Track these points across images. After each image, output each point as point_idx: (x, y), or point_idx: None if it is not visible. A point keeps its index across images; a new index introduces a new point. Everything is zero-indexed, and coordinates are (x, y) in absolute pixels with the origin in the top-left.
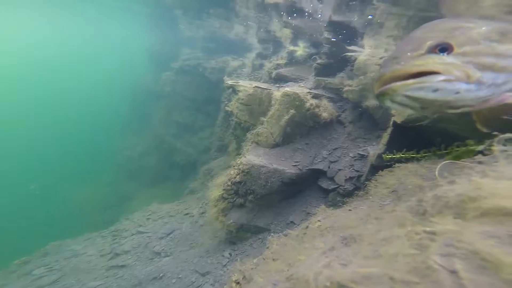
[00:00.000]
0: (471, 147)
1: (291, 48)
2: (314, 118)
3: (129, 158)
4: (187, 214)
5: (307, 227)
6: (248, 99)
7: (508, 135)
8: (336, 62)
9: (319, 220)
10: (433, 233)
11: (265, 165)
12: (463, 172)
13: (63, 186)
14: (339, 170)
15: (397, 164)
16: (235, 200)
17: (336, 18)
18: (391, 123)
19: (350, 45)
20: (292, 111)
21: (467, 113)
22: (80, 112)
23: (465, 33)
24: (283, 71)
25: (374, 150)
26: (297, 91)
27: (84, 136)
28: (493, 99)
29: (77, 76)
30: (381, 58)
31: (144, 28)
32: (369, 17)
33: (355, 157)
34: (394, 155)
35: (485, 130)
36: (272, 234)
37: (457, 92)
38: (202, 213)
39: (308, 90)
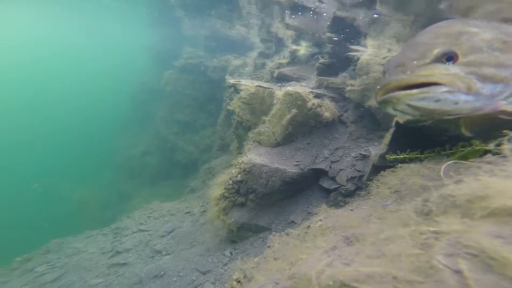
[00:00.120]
0: (477, 147)
1: (294, 47)
2: (316, 117)
3: (130, 156)
4: (188, 212)
5: (308, 226)
6: (250, 98)
7: None
8: (339, 62)
9: (320, 220)
10: (438, 232)
11: (266, 164)
12: (470, 172)
13: (64, 184)
14: (341, 170)
15: (399, 164)
16: (236, 199)
17: (338, 18)
18: (393, 123)
19: (353, 45)
20: (294, 111)
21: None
22: (81, 110)
23: (469, 40)
24: (285, 70)
25: (376, 150)
26: (299, 91)
27: (85, 135)
28: (486, 107)
29: (79, 74)
30: (384, 58)
31: (147, 26)
32: (375, 15)
33: (356, 157)
34: (397, 155)
35: (468, 134)
36: (273, 233)
37: (456, 103)
38: (203, 211)
39: (310, 90)
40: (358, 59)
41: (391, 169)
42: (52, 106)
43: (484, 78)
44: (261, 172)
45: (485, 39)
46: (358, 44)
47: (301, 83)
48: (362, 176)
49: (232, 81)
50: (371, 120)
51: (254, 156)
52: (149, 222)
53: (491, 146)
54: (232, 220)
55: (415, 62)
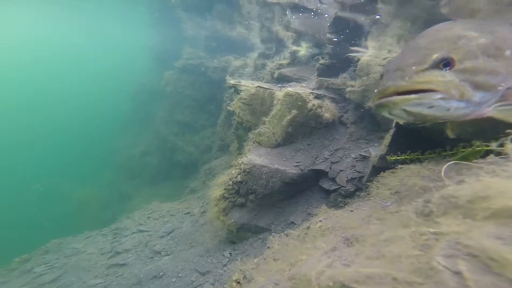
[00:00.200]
0: (478, 148)
1: (294, 48)
2: (316, 118)
3: (130, 156)
4: (187, 213)
5: (308, 227)
6: (250, 98)
7: None
8: (339, 63)
9: (320, 221)
10: (438, 233)
11: (266, 165)
12: (471, 172)
13: (64, 184)
14: (341, 171)
15: (399, 165)
16: (236, 200)
17: (339, 18)
18: (393, 124)
19: (353, 46)
20: (294, 111)
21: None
22: (82, 110)
23: (467, 45)
24: (286, 71)
25: (376, 151)
26: (299, 91)
27: (86, 135)
28: (474, 114)
29: (79, 75)
30: (384, 59)
31: (147, 26)
32: (377, 16)
33: (356, 158)
34: (398, 156)
35: (452, 136)
36: (273, 234)
37: (448, 109)
38: (203, 212)
39: (310, 91)
40: (359, 60)
41: (391, 170)
42: (52, 106)
43: (476, 86)
44: (261, 173)
45: (481, 45)
46: (359, 45)
47: (302, 84)
48: (362, 177)
49: (232, 81)
50: (371, 121)
51: (254, 156)
52: (149, 222)
53: (492, 146)
54: (232, 220)
55: (413, 67)
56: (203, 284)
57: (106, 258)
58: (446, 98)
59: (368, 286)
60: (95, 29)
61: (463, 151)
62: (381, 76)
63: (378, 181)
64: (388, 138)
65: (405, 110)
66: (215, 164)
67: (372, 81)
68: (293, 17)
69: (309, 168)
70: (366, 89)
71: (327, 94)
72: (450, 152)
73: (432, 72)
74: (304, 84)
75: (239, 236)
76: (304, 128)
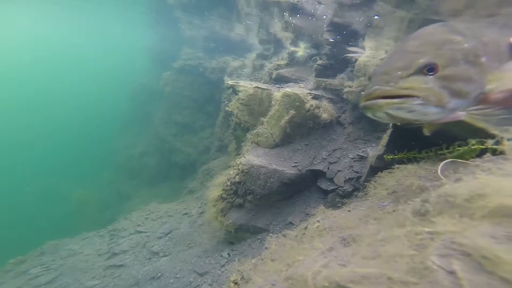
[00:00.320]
0: (473, 146)
1: (292, 49)
2: (314, 119)
3: (128, 157)
4: (186, 214)
5: (306, 227)
6: (249, 99)
7: None
8: (337, 63)
9: (318, 221)
10: (433, 233)
11: (264, 165)
12: (468, 171)
13: (62, 184)
14: (339, 171)
15: (396, 165)
16: (234, 200)
17: (337, 19)
18: (391, 124)
19: (351, 46)
20: (292, 112)
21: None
22: (81, 110)
23: (451, 50)
24: (284, 71)
25: (373, 151)
26: (297, 92)
27: (85, 135)
28: (448, 118)
29: (78, 75)
30: (381, 59)
31: (146, 27)
32: (375, 17)
33: (354, 158)
34: (395, 155)
35: (427, 134)
36: (270, 234)
37: (426, 114)
38: (201, 213)
39: (308, 91)
40: (356, 60)
41: (388, 170)
42: (52, 106)
43: (453, 93)
44: (259, 173)
45: (463, 51)
46: (356, 45)
47: (299, 85)
48: (360, 177)
49: (230, 82)
50: (368, 122)
51: (252, 157)
52: (147, 223)
53: (488, 145)
54: (230, 221)
55: (399, 72)
56: (201, 285)
57: (103, 259)
58: (424, 104)
59: (363, 286)
60: (94, 29)
61: (459, 150)
62: (369, 78)
63: (375, 181)
64: (385, 138)
65: (387, 113)
66: (213, 165)
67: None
68: (290, 18)
69: (307, 169)
70: (364, 90)
71: (325, 95)
72: (447, 151)
73: (415, 78)
74: (302, 85)
75: (237, 237)
76: (302, 128)
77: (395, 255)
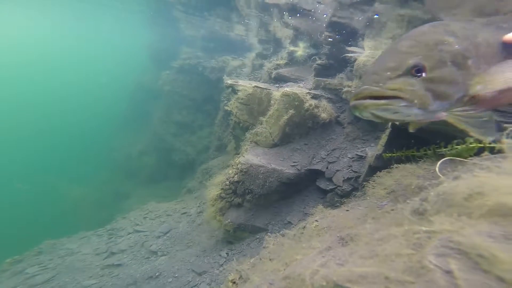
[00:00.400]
0: (471, 145)
1: (291, 48)
2: (313, 118)
3: (127, 156)
4: (184, 213)
5: (304, 227)
6: (248, 98)
7: None
8: (336, 63)
9: (316, 220)
10: (430, 232)
11: (263, 164)
12: (465, 169)
13: (60, 183)
14: (337, 170)
15: (395, 165)
16: (233, 200)
17: (336, 19)
18: (389, 124)
19: (350, 46)
20: (291, 111)
21: None
22: (79, 110)
23: (441, 51)
24: (283, 71)
25: (372, 151)
26: (296, 91)
27: (82, 134)
28: (429, 119)
29: (77, 74)
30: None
31: (145, 26)
32: (375, 16)
33: (353, 158)
34: (393, 153)
35: (412, 130)
36: (269, 234)
37: (409, 115)
38: (200, 212)
39: (307, 91)
40: (355, 60)
41: (387, 170)
42: (50, 105)
43: (436, 96)
44: (258, 172)
45: (453, 52)
46: (356, 45)
47: (299, 84)
48: (359, 177)
49: (229, 81)
50: (367, 121)
51: (251, 156)
52: (145, 222)
53: (486, 143)
54: (229, 220)
55: (388, 73)
56: (200, 284)
57: (101, 259)
58: (408, 106)
59: (360, 285)
60: (93, 28)
61: (457, 148)
62: (360, 76)
63: (374, 181)
64: (384, 138)
65: (373, 114)
66: (212, 164)
67: None
68: (290, 17)
69: (306, 168)
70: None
71: (324, 94)
72: (444, 149)
73: (403, 79)
74: (301, 84)
75: (236, 236)
76: (301, 128)
77: (392, 254)
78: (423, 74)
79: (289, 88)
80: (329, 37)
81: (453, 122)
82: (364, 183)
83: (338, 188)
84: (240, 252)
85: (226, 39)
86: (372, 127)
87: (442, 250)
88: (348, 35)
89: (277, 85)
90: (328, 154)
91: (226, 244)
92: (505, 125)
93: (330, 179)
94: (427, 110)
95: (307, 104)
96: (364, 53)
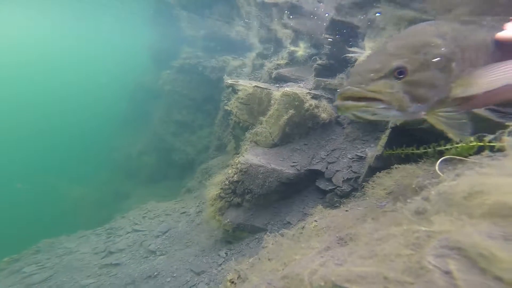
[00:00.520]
0: (472, 143)
1: (292, 48)
2: (313, 118)
3: (127, 156)
4: (183, 213)
5: (303, 227)
6: (248, 98)
7: None
8: (337, 63)
9: (315, 220)
10: (430, 232)
11: (263, 164)
12: (465, 168)
13: (59, 183)
14: (337, 171)
15: (395, 166)
16: (232, 199)
17: (337, 19)
18: (389, 125)
19: (351, 46)
20: (291, 111)
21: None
22: (79, 109)
23: (426, 54)
24: (284, 71)
25: (372, 151)
26: (296, 91)
27: (82, 134)
28: (410, 118)
29: (77, 74)
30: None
31: (145, 26)
32: (377, 14)
33: (353, 158)
34: (393, 151)
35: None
36: (268, 233)
37: (388, 116)
38: (199, 212)
39: (307, 91)
40: (356, 60)
41: (386, 170)
42: (50, 104)
43: (414, 99)
44: (257, 172)
45: (437, 55)
46: (356, 45)
47: (299, 84)
48: (358, 177)
49: (230, 81)
50: (367, 122)
51: (251, 156)
52: (144, 222)
53: (486, 142)
54: (228, 220)
55: (371, 74)
56: (198, 284)
57: (99, 258)
58: (387, 108)
59: (359, 285)
60: (93, 28)
61: (457, 147)
62: (347, 75)
63: (374, 181)
64: (384, 138)
65: (353, 114)
66: (212, 164)
67: None
68: (291, 16)
69: (305, 168)
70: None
71: (324, 95)
72: (444, 148)
73: (384, 82)
74: (301, 84)
75: (235, 236)
76: (301, 128)
77: (391, 254)
78: (405, 77)
79: (289, 88)
80: (330, 37)
81: (433, 123)
82: (364, 183)
83: (337, 188)
84: (239, 252)
85: (226, 39)
86: (372, 128)
87: (442, 250)
88: (349, 35)
89: (278, 85)
90: (328, 155)
91: (225, 244)
92: (507, 123)
93: (329, 180)
94: (406, 111)
95: (307, 104)
96: (365, 53)
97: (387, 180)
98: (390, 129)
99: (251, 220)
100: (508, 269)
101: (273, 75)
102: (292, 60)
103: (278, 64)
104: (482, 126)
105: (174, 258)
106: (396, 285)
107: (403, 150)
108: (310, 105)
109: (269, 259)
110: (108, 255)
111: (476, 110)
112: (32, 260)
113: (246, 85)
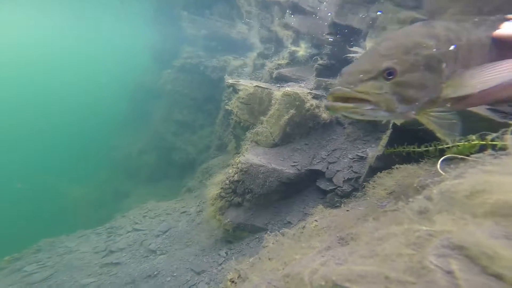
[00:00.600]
0: (474, 142)
1: (293, 48)
2: (314, 118)
3: (127, 155)
4: (184, 212)
5: (304, 226)
6: (249, 98)
7: None
8: (338, 63)
9: (316, 220)
10: (431, 232)
11: (263, 164)
12: (467, 166)
13: (59, 182)
14: (338, 171)
15: (396, 166)
16: (232, 199)
17: (338, 20)
18: (391, 125)
19: (352, 46)
20: (292, 111)
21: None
22: (80, 108)
23: (416, 55)
24: (284, 71)
25: (373, 151)
26: (297, 91)
27: (83, 133)
28: (399, 118)
29: (78, 73)
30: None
31: (146, 25)
32: (378, 13)
33: (353, 158)
34: (395, 149)
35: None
36: (269, 233)
37: (376, 117)
38: (199, 211)
39: (308, 91)
40: None
41: (387, 170)
42: (50, 104)
43: (403, 100)
44: (258, 172)
45: (428, 56)
46: (358, 45)
47: (300, 84)
48: (359, 177)
49: (230, 81)
50: (368, 122)
51: (252, 156)
52: (144, 221)
53: (488, 140)
54: (228, 220)
55: (361, 75)
56: (198, 283)
57: (99, 257)
58: (375, 109)
59: (360, 284)
60: (93, 28)
61: (459, 145)
62: (339, 75)
63: (374, 181)
64: (385, 138)
65: (343, 114)
66: (212, 164)
67: None
68: (292, 16)
69: (306, 168)
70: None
71: (325, 94)
72: (446, 146)
73: (372, 83)
74: (302, 84)
75: (236, 236)
76: (302, 128)
77: (392, 253)
78: (394, 78)
79: (290, 88)
80: (331, 37)
81: (424, 122)
82: (365, 183)
83: (338, 188)
84: (239, 251)
85: (227, 39)
86: (373, 128)
87: (443, 250)
88: (350, 35)
89: (278, 85)
90: (328, 155)
91: (225, 243)
92: (510, 122)
93: (330, 180)
94: (394, 112)
95: (308, 104)
96: None
97: (388, 180)
98: (391, 129)
99: (251, 219)
100: (509, 267)
101: (274, 75)
102: (293, 60)
103: (279, 64)
104: (482, 126)
105: (174, 257)
106: (397, 285)
107: (404, 148)
108: (311, 105)
109: (269, 259)
110: (109, 254)
111: (476, 110)
112: (33, 259)
113: (247, 85)
